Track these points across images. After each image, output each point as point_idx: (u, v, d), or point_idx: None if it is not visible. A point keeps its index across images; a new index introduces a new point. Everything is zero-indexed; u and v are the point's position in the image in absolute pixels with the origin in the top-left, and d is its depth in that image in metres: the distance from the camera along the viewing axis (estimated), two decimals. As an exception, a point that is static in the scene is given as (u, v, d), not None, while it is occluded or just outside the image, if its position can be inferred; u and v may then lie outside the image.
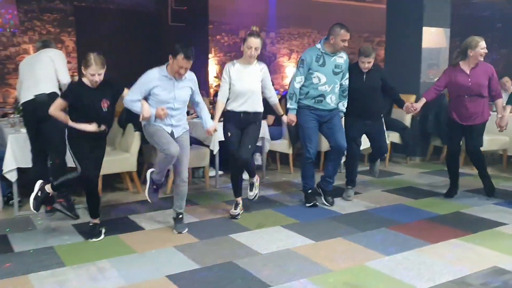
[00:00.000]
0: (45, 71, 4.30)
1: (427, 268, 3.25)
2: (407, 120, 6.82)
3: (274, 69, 13.98)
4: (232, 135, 4.28)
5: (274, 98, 4.51)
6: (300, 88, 4.61)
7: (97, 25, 11.40)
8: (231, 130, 4.28)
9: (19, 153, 4.33)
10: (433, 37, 7.13)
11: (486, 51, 4.68)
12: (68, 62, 11.62)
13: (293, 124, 4.66)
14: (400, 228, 4.11)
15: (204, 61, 13.20)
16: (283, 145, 6.20)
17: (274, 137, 6.04)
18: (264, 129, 5.65)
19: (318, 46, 4.61)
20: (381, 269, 3.25)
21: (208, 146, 5.49)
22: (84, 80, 3.68)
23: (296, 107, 4.62)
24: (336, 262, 3.38)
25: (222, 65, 13.56)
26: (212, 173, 5.70)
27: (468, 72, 4.72)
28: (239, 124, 4.28)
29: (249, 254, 3.53)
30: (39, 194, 3.73)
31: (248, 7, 13.09)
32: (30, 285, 3.01)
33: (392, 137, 6.69)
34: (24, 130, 4.45)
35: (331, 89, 4.57)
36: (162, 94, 3.77)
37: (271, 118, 6.08)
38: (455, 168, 5.08)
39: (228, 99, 4.29)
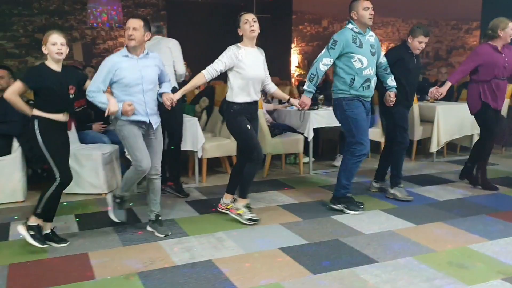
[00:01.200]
0: (166, 62, 4.63)
1: (532, 253, 3.31)
2: (504, 110, 6.67)
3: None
4: (251, 128, 3.91)
5: (271, 84, 4.18)
6: (341, 77, 4.14)
7: (187, 19, 12.01)
8: (248, 124, 3.90)
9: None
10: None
11: None
12: (160, 54, 12.47)
13: (306, 108, 4.21)
14: (500, 215, 4.14)
15: (287, 51, 13.48)
16: (375, 134, 6.32)
17: (366, 125, 6.16)
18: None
19: (350, 26, 4.13)
20: (485, 251, 3.36)
21: (302, 134, 5.74)
22: (47, 63, 3.31)
23: (313, 91, 4.16)
24: (438, 243, 3.52)
25: (304, 54, 13.76)
26: (305, 159, 5.96)
27: (502, 52, 4.59)
28: (249, 115, 3.95)
29: (352, 233, 3.76)
30: (31, 233, 3.36)
31: (329, -4, 13.15)
32: (162, 249, 3.44)
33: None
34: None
35: (373, 72, 4.18)
36: (127, 75, 3.47)
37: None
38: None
39: (232, 88, 3.88)
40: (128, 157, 3.90)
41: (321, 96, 5.88)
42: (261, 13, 12.38)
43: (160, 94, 3.75)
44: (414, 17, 14.78)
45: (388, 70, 4.39)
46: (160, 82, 3.77)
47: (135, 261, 3.24)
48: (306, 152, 5.90)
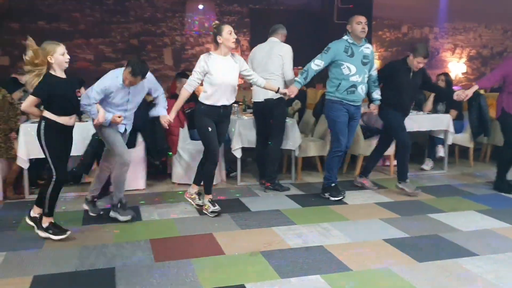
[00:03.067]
0: (275, 71, 4.96)
1: None
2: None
3: (436, 64, 13.80)
4: (212, 130, 4.24)
5: (259, 80, 4.45)
6: (330, 80, 4.73)
7: (269, 26, 12.49)
8: (211, 126, 4.24)
9: (244, 135, 5.31)
10: None
11: None
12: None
13: (292, 95, 4.65)
14: None
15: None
16: (464, 139, 6.45)
17: (455, 130, 6.31)
18: (448, 122, 5.98)
19: (345, 37, 4.70)
20: None
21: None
22: (52, 72, 3.52)
23: (302, 83, 4.66)
24: (537, 243, 3.70)
25: (383, 60, 13.85)
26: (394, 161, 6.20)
27: None
28: (216, 118, 4.27)
29: (450, 230, 4.01)
30: (50, 232, 3.66)
31: (412, 2, 13.15)
32: (276, 234, 3.88)
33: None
34: (245, 117, 5.44)
35: (361, 79, 4.67)
36: (117, 99, 3.89)
37: (453, 112, 6.35)
38: None
39: (204, 91, 4.24)
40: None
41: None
42: (342, 20, 12.66)
43: (157, 117, 4.25)
44: (499, 23, 14.44)
45: (377, 83, 4.94)
46: (152, 94, 4.20)
47: (255, 242, 3.69)
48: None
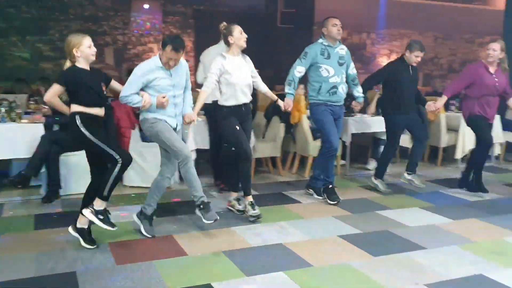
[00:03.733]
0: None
1: (562, 245, 3.79)
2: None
3: (373, 69, 14.40)
4: (240, 129, 4.27)
5: (262, 86, 4.53)
6: (311, 84, 4.82)
7: (213, 27, 12.49)
8: (238, 124, 4.27)
9: (199, 136, 5.33)
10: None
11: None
12: (187, 61, 12.97)
13: (289, 109, 4.70)
14: (528, 215, 4.63)
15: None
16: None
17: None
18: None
19: (321, 40, 4.79)
20: (520, 243, 3.85)
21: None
22: (78, 64, 3.44)
23: (293, 93, 4.74)
24: (477, 236, 4.00)
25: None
26: (342, 161, 6.45)
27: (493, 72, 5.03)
28: (239, 117, 4.32)
29: (399, 226, 4.25)
30: (100, 217, 3.55)
31: (351, 8, 13.68)
32: (236, 234, 3.95)
33: (507, 136, 7.11)
34: (199, 119, 5.45)
35: (340, 80, 4.78)
36: (162, 82, 3.72)
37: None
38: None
39: (222, 93, 4.29)
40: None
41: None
42: (284, 24, 12.93)
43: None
44: (430, 30, 15.32)
45: (356, 81, 5.02)
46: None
47: (216, 242, 3.73)
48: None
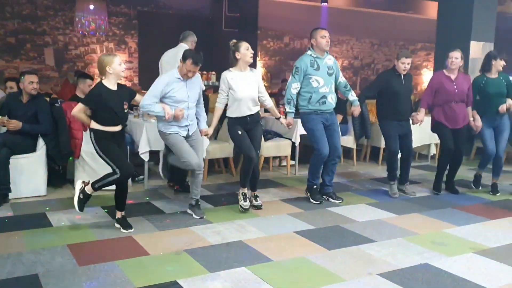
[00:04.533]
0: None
1: (493, 235, 4.17)
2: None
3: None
4: (242, 133, 4.62)
5: (267, 101, 4.87)
6: (301, 94, 4.94)
7: (157, 29, 12.45)
8: (241, 130, 4.62)
9: (152, 138, 5.35)
10: (479, 50, 8.01)
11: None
12: (130, 62, 12.84)
13: (291, 126, 5.07)
14: (463, 208, 5.03)
15: (252, 64, 14.19)
16: (348, 141, 7.15)
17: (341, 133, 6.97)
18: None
19: (309, 52, 4.93)
20: (457, 234, 4.20)
21: (290, 139, 6.46)
22: (105, 82, 3.85)
23: (294, 111, 4.97)
24: (420, 228, 4.32)
25: (267, 68, 14.58)
26: (292, 162, 6.67)
27: (453, 79, 5.34)
28: (246, 126, 4.66)
29: (348, 221, 4.49)
30: (81, 197, 3.93)
31: (293, 15, 14.08)
32: (195, 233, 4.02)
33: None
34: (152, 121, 5.46)
35: (329, 90, 4.94)
36: (178, 94, 4.17)
37: (339, 116, 7.00)
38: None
39: (229, 106, 4.64)
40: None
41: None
42: (229, 27, 13.08)
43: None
44: (367, 37, 16.03)
45: (348, 87, 5.19)
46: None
47: (176, 241, 3.80)
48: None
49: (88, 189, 3.93)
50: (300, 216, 4.59)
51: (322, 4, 13.11)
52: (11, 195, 4.72)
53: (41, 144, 4.93)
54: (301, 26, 13.84)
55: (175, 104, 4.20)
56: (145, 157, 5.38)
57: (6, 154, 4.56)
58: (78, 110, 3.84)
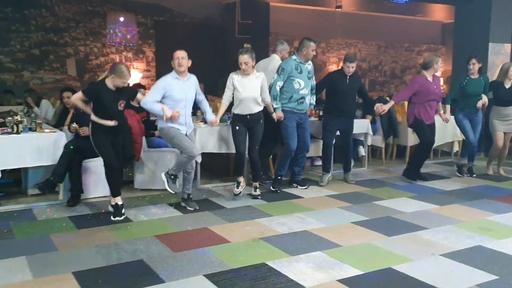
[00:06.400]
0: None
1: (533, 220, 4.59)
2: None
3: (323, 76, 15.24)
4: (240, 129, 5.19)
5: (267, 99, 5.32)
6: (283, 93, 5.52)
7: (173, 37, 12.83)
8: (239, 126, 5.20)
9: (204, 141, 5.73)
10: (497, 52, 8.45)
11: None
12: (148, 71, 13.22)
13: (282, 119, 5.51)
14: (497, 199, 5.44)
15: (265, 69, 14.63)
16: (377, 140, 7.56)
17: (371, 133, 7.37)
18: (368, 126, 7.01)
19: (294, 57, 5.56)
20: (500, 221, 4.61)
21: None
22: (107, 82, 4.37)
23: (280, 106, 5.51)
24: (464, 217, 4.73)
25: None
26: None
27: (431, 80, 6.10)
28: (246, 123, 5.21)
29: (397, 212, 4.89)
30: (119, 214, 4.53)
31: (302, 20, 14.53)
32: (262, 224, 4.41)
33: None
34: (203, 126, 5.83)
35: (308, 92, 5.63)
36: (176, 93, 4.60)
37: (369, 117, 7.40)
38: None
39: (234, 102, 5.21)
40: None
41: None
42: (242, 34, 13.48)
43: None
44: (374, 40, 16.48)
45: (314, 91, 5.83)
46: (196, 98, 4.91)
47: (248, 231, 4.19)
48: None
49: (112, 200, 4.57)
50: (351, 209, 4.98)
51: (336, 9, 13.54)
52: (82, 196, 5.08)
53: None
54: (310, 31, 14.26)
55: (174, 104, 4.62)
56: (198, 159, 5.75)
57: (79, 159, 4.94)
58: (77, 97, 4.39)
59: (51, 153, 4.83)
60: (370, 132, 7.08)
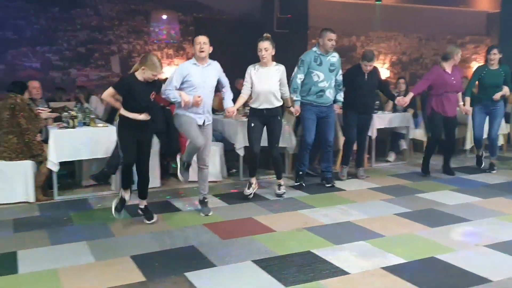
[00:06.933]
0: None
1: None
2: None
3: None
4: (255, 126, 4.95)
5: (286, 94, 5.10)
6: (302, 86, 5.37)
7: (212, 34, 12.96)
8: (255, 122, 4.96)
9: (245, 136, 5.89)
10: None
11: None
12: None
13: (298, 114, 5.36)
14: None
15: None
16: (419, 133, 7.53)
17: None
18: (409, 119, 7.01)
19: (314, 49, 5.41)
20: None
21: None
22: (137, 74, 4.08)
23: (300, 99, 5.37)
24: (509, 209, 4.70)
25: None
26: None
27: (450, 72, 5.96)
28: (262, 118, 4.97)
29: (439, 205, 4.92)
30: (116, 205, 4.24)
31: (342, 14, 14.48)
32: (305, 215, 4.55)
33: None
34: (244, 119, 5.99)
35: (328, 85, 5.39)
36: (194, 79, 4.35)
37: (411, 110, 7.39)
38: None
39: (252, 97, 4.97)
40: None
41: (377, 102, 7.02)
42: (280, 29, 13.56)
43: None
44: (414, 32, 16.23)
45: (341, 87, 5.62)
46: (220, 82, 4.64)
47: (292, 221, 4.33)
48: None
49: (122, 193, 4.28)
50: (393, 201, 5.05)
51: (376, 2, 13.46)
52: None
53: (155, 142, 5.54)
54: (349, 24, 14.24)
55: (192, 91, 4.37)
56: (241, 152, 5.93)
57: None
58: (108, 94, 4.11)
59: (104, 146, 5.11)
60: (412, 125, 7.08)
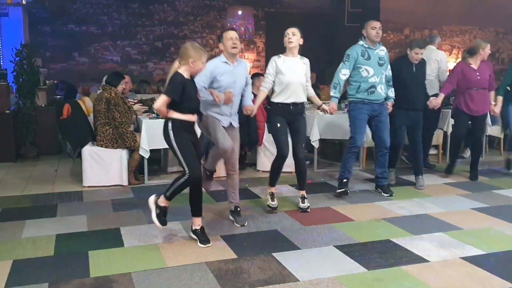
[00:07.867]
0: (431, 73, 5.99)
1: None
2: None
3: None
4: (282, 126, 4.39)
5: (311, 90, 4.63)
6: (351, 84, 4.96)
7: (283, 28, 13.18)
8: (280, 122, 4.39)
9: (321, 128, 6.08)
10: None
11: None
12: (258, 61, 13.82)
13: (334, 113, 4.90)
14: None
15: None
16: (496, 130, 7.39)
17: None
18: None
19: (361, 42, 4.94)
20: None
21: (442, 129, 6.85)
22: (182, 71, 3.56)
23: (339, 96, 4.93)
24: None
25: (388, 61, 14.82)
26: (434, 151, 7.07)
27: (476, 68, 5.62)
28: (288, 116, 4.43)
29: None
30: (157, 212, 3.67)
31: (414, 7, 14.20)
32: (382, 207, 4.70)
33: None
34: (320, 113, 6.16)
35: (379, 80, 4.89)
36: (224, 78, 3.95)
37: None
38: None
39: (273, 92, 4.45)
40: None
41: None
42: (351, 23, 13.53)
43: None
44: (491, 26, 15.62)
45: (391, 83, 5.12)
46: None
47: (370, 212, 4.50)
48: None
49: (162, 201, 3.68)
50: (469, 196, 5.07)
51: (449, -4, 13.11)
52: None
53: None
54: (420, 18, 13.96)
55: (220, 92, 3.96)
56: (316, 144, 6.14)
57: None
58: (163, 103, 3.48)
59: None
60: (489, 122, 6.96)
